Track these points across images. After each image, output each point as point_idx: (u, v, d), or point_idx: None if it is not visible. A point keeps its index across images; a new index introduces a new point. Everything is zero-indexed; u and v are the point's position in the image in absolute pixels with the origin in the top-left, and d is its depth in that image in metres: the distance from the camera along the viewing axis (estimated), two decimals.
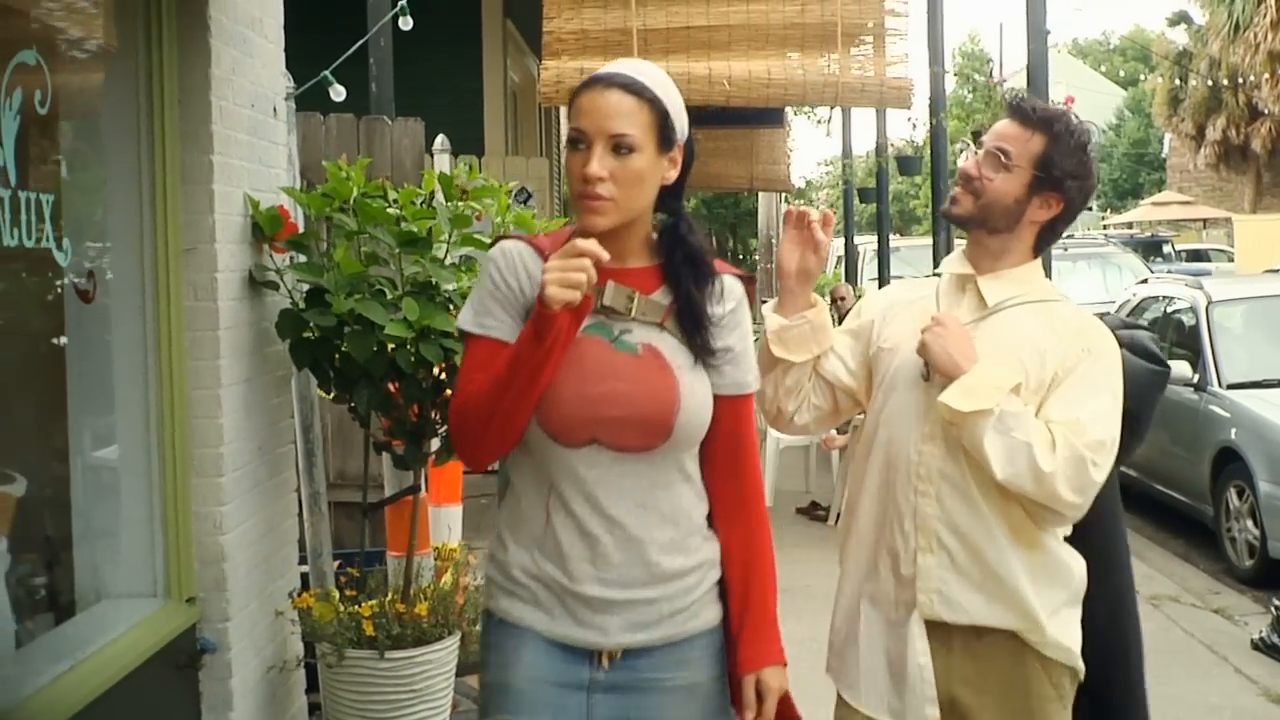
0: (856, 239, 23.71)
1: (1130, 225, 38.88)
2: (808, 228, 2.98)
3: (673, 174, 2.61)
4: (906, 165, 19.21)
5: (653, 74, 2.60)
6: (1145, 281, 12.34)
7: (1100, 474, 2.81)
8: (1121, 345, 3.09)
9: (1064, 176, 2.95)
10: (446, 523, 6.00)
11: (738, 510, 2.70)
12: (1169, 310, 10.63)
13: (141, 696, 3.71)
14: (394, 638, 4.47)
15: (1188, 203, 37.91)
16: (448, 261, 4.64)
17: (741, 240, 37.65)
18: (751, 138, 16.00)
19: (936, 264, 14.62)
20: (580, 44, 8.65)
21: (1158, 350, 3.31)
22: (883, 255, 17.57)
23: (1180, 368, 9.19)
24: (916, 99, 8.71)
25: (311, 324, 4.46)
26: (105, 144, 3.94)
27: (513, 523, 2.66)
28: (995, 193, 2.96)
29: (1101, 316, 3.19)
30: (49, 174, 3.56)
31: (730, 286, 2.70)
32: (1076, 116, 3.02)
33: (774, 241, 27.93)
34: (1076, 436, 2.80)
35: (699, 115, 8.37)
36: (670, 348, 2.62)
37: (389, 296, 4.49)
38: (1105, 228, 42.40)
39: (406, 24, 6.68)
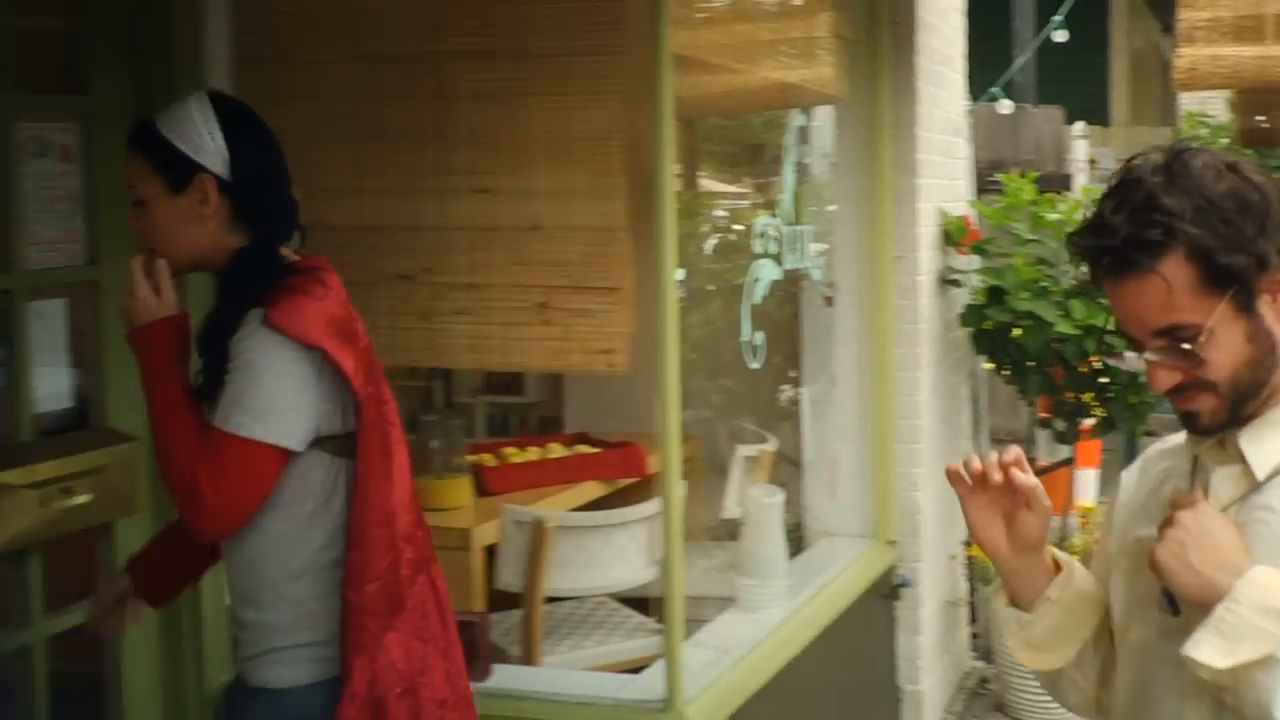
0: None
1: None
2: (997, 478, 1.84)
3: (207, 210, 2.36)
4: None
5: (170, 113, 2.39)
6: None
7: None
8: None
9: (1248, 255, 1.68)
10: (1085, 484, 6.71)
11: None
12: None
13: (859, 618, 4.69)
14: None
15: None
16: None
17: None
18: None
19: None
20: (1215, 30, 8.92)
21: None
22: None
23: None
24: None
25: (990, 317, 5.30)
26: (839, 176, 4.91)
27: None
28: (1222, 366, 1.72)
29: None
30: (807, 208, 4.56)
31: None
32: (1162, 158, 1.71)
33: None
34: None
35: None
36: None
37: (1056, 295, 5.25)
38: None
39: (1062, 36, 7.13)
